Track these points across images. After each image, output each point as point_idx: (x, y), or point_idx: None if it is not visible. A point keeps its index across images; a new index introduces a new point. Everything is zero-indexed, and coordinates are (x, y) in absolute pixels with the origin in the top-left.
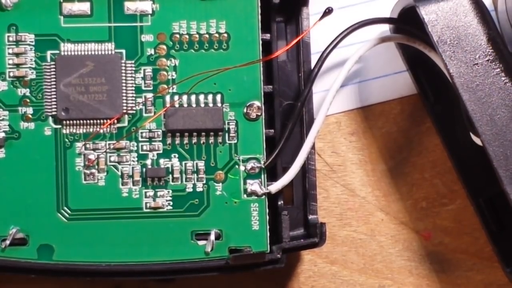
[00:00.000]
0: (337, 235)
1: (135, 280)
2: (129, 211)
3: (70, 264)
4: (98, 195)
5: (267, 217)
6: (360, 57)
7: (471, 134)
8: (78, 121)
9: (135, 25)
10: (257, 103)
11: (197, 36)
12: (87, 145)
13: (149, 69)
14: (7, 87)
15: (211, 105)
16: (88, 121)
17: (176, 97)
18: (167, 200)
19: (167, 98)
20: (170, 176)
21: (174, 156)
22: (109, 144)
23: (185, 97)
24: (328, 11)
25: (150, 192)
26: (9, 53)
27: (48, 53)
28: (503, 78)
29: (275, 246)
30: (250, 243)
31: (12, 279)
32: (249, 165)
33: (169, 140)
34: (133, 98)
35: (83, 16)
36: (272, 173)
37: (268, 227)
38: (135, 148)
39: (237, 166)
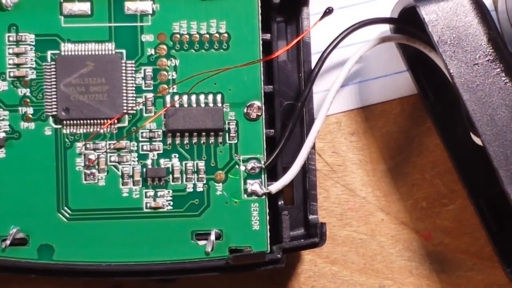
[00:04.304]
0: (338, 235)
1: (135, 280)
2: (130, 211)
3: (70, 264)
4: (99, 195)
5: (268, 217)
6: (360, 57)
7: (471, 134)
8: (78, 121)
9: (136, 25)
10: (257, 103)
11: (197, 36)
12: (88, 145)
13: (149, 69)
14: (7, 87)
15: (211, 105)
16: (88, 121)
17: (176, 97)
18: (167, 200)
19: (168, 98)
20: (171, 176)
21: (175, 156)
22: (109, 144)
23: (185, 97)
24: (328, 11)
25: (151, 192)
26: (9, 53)
27: (49, 53)
28: (503, 78)
29: (276, 246)
30: (250, 243)
31: (12, 279)
32: (250, 165)
33: (169, 140)
34: (134, 98)
35: (83, 16)
36: (273, 173)
37: (268, 227)
38: (136, 148)
39: (237, 166)
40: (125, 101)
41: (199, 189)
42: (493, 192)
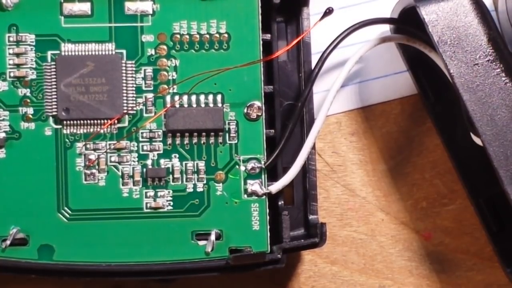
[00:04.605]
0: (338, 235)
1: (135, 280)
2: (130, 211)
3: (70, 264)
4: (99, 195)
5: (268, 217)
6: (360, 57)
7: (471, 134)
8: (78, 121)
9: (136, 25)
10: (257, 103)
11: (197, 36)
12: (88, 145)
13: (149, 69)
14: (7, 87)
15: (211, 105)
16: (88, 121)
17: (176, 97)
18: (167, 200)
19: (168, 98)
20: (171, 176)
21: (175, 156)
22: (109, 144)
23: (185, 97)
24: (328, 11)
25: (151, 192)
26: (9, 54)
27: (49, 53)
28: (503, 78)
29: (276, 246)
30: (250, 243)
31: (13, 279)
32: (250, 165)
33: (169, 140)
34: (134, 98)
35: (83, 16)
36: (273, 173)
37: (268, 227)
38: (136, 148)
39: (237, 166)
40: (125, 101)
41: (199, 189)
42: (493, 192)
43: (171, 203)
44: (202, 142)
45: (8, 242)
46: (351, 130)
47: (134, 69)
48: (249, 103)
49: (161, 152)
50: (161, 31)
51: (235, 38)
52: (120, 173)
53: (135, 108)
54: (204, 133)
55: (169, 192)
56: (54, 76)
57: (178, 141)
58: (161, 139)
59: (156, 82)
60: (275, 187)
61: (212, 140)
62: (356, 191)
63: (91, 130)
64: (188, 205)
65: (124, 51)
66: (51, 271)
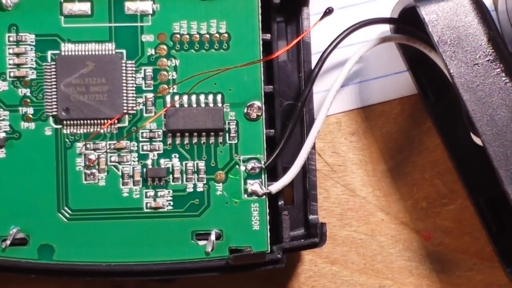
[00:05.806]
0: (338, 235)
1: (135, 280)
2: (130, 211)
3: (70, 264)
4: (99, 195)
5: (268, 217)
6: (360, 57)
7: (471, 134)
8: (78, 121)
9: (136, 25)
10: (257, 103)
11: (197, 36)
12: (88, 145)
13: (149, 69)
14: (7, 87)
15: (211, 105)
16: (88, 121)
17: (176, 97)
18: (167, 200)
19: (168, 98)
20: (171, 176)
21: (175, 156)
22: (109, 144)
23: (185, 97)
24: (328, 11)
25: (151, 192)
26: (9, 53)
27: (49, 53)
28: (503, 78)
29: (276, 246)
30: (250, 243)
31: (13, 279)
32: (250, 165)
33: (169, 140)
34: (134, 98)
35: (83, 16)
36: (273, 173)
37: (268, 227)
38: (136, 148)
39: (237, 166)
40: (125, 101)
41: (199, 189)
42: (493, 192)
43: (171, 203)
44: (202, 142)
45: (8, 242)
46: (351, 130)
47: (134, 69)
48: (249, 103)
49: (161, 152)
50: (161, 31)
51: (235, 38)
52: (120, 173)
53: (135, 108)
54: (204, 133)
55: (169, 192)
56: (54, 76)
57: (178, 141)
58: (161, 139)
59: (156, 82)
60: (275, 187)
61: (212, 140)
62: (356, 191)
63: (91, 130)
64: (188, 205)
65: (124, 51)
66: (51, 271)
